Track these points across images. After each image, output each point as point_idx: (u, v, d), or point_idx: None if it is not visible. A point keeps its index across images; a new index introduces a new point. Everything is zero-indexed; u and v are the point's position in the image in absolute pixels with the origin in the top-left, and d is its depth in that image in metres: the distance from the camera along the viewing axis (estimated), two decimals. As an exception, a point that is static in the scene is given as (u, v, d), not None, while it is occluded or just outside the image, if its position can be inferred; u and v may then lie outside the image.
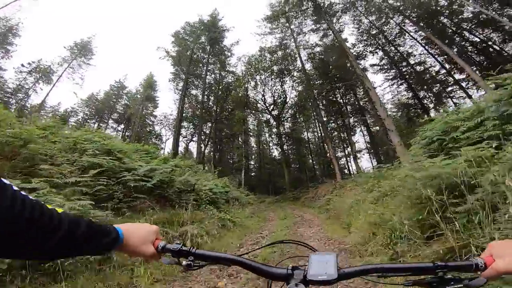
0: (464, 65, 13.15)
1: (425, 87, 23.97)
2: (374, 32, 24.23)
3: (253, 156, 39.43)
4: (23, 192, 0.46)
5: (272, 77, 28.32)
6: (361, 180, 8.72)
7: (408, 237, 3.15)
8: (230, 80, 30.66)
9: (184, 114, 32.87)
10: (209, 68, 31.65)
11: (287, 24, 24.95)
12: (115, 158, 6.73)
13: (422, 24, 17.93)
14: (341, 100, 28.63)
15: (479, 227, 2.38)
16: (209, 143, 30.54)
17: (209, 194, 8.28)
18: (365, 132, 31.48)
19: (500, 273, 0.55)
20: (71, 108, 40.69)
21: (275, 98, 28.35)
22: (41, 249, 0.47)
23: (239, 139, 26.98)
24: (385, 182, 5.82)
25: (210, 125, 30.62)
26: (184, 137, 33.56)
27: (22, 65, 32.23)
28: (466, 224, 2.55)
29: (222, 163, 35.75)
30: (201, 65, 31.09)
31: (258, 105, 29.54)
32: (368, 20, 22.76)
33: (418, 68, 24.05)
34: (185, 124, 33.29)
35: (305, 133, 34.55)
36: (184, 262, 0.67)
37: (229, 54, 30.65)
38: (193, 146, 38.13)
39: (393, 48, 23.83)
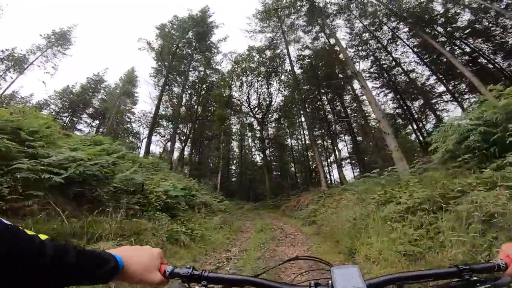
0: (463, 70, 11.95)
1: (412, 96, 23.11)
2: (366, 37, 23.23)
3: (234, 161, 37.25)
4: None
5: (259, 78, 26.62)
6: (361, 188, 6.86)
7: None
8: (214, 79, 28.59)
9: (163, 112, 30.49)
10: (194, 65, 29.56)
11: (279, 24, 23.51)
12: (16, 139, 4.52)
13: (418, 28, 16.86)
14: (328, 107, 27.30)
15: None
16: (188, 144, 28.07)
17: (162, 197, 6.12)
18: (348, 142, 30.35)
19: None
20: (44, 100, 37.47)
21: (260, 101, 26.58)
22: (21, 280, 0.40)
23: (221, 140, 24.78)
24: (411, 190, 3.98)
25: (190, 125, 28.17)
26: (162, 137, 31.04)
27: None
28: None
29: (203, 165, 33.37)
30: (185, 61, 28.88)
31: (243, 107, 27.64)
32: (362, 25, 21.68)
33: (405, 78, 23.23)
34: (164, 123, 30.86)
35: (289, 140, 32.91)
36: (196, 287, 0.60)
37: (215, 51, 28.67)
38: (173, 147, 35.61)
39: (383, 55, 22.86)
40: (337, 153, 20.80)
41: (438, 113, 26.46)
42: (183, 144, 26.65)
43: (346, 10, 20.36)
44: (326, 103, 27.28)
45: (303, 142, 31.25)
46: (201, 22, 28.18)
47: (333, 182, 26.50)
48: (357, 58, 24.40)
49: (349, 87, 25.54)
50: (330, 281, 0.55)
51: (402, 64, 22.11)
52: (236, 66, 26.84)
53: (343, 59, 23.29)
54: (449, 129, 5.05)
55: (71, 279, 0.47)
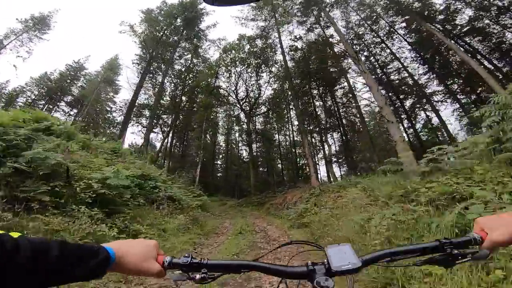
0: (469, 60, 10.59)
1: (405, 94, 21.95)
2: (361, 31, 21.81)
3: (220, 156, 35.20)
4: None
5: (249, 70, 24.70)
6: (372, 182, 5.09)
7: None
8: (201, 68, 26.48)
9: (145, 102, 28.10)
10: (180, 53, 27.32)
11: (272, 13, 21.74)
12: None
13: (419, 20, 15.49)
14: (318, 102, 25.80)
15: None
16: (171, 135, 25.84)
17: (96, 187, 4.19)
18: (336, 139, 28.98)
19: (498, 243, 0.56)
20: (19, 87, 34.53)
21: (249, 92, 24.71)
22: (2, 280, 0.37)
23: (203, 128, 22.64)
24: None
25: (174, 116, 25.90)
26: (144, 127, 28.58)
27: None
28: None
29: (187, 158, 31.18)
30: (171, 49, 26.57)
31: (230, 98, 25.69)
32: (358, 17, 20.21)
33: (398, 75, 22.07)
34: (146, 113, 28.47)
35: (277, 135, 31.20)
36: (197, 276, 0.57)
37: (204, 38, 26.62)
38: (155, 138, 33.29)
39: (378, 50, 21.51)
40: (326, 148, 19.22)
41: (427, 113, 25.67)
42: (165, 135, 24.39)
43: (344, 1, 18.77)
44: (317, 98, 25.77)
45: (291, 138, 29.66)
46: (190, 8, 25.99)
47: (320, 179, 25.08)
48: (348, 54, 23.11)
49: (341, 82, 24.21)
50: (326, 260, 0.55)
51: (396, 61, 20.81)
52: (225, 55, 24.85)
53: (338, 53, 21.93)
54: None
55: (57, 276, 0.42)
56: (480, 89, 16.59)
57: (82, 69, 36.15)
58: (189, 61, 27.59)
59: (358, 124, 24.74)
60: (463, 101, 20.83)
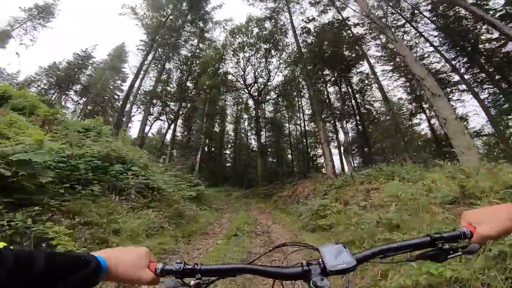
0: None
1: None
2: (379, 14, 19.15)
3: (229, 145, 33.51)
4: None
5: (257, 55, 22.53)
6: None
7: None
8: (207, 53, 24.57)
9: (149, 88, 26.56)
10: (186, 37, 25.44)
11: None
12: None
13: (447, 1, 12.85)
14: (331, 89, 23.43)
15: None
16: (177, 122, 24.29)
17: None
18: (350, 129, 26.47)
19: (487, 237, 0.54)
20: (31, 77, 34.08)
21: (257, 78, 22.63)
22: None
23: (204, 112, 20.74)
24: None
25: (179, 103, 24.24)
26: (150, 115, 27.21)
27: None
28: None
29: (192, 146, 29.76)
30: (175, 34, 24.71)
31: (238, 83, 23.71)
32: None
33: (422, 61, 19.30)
34: (155, 101, 27.00)
35: (287, 125, 29.05)
36: (192, 282, 0.54)
37: (210, 21, 24.68)
38: (161, 126, 32.01)
39: (401, 34, 18.81)
40: (341, 136, 17.03)
41: (452, 103, 22.72)
42: (170, 123, 22.89)
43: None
44: (329, 85, 23.33)
45: (303, 127, 27.44)
46: (197, -11, 23.95)
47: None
48: (368, 38, 20.49)
49: (358, 67, 21.77)
50: (320, 259, 0.54)
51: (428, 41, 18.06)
52: (232, 38, 22.78)
53: (356, 34, 19.46)
54: None
55: (47, 287, 0.39)
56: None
57: (90, 57, 35.06)
58: (195, 47, 25.73)
59: (377, 111, 22.30)
60: (490, 91, 18.09)
